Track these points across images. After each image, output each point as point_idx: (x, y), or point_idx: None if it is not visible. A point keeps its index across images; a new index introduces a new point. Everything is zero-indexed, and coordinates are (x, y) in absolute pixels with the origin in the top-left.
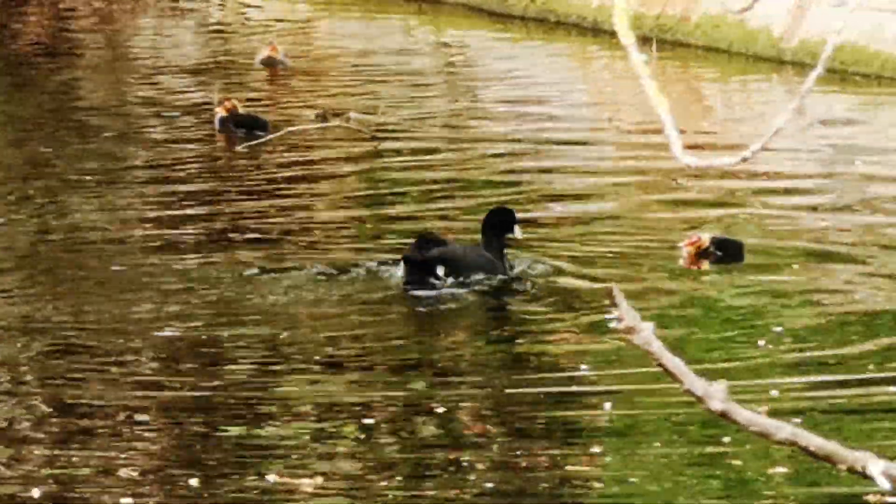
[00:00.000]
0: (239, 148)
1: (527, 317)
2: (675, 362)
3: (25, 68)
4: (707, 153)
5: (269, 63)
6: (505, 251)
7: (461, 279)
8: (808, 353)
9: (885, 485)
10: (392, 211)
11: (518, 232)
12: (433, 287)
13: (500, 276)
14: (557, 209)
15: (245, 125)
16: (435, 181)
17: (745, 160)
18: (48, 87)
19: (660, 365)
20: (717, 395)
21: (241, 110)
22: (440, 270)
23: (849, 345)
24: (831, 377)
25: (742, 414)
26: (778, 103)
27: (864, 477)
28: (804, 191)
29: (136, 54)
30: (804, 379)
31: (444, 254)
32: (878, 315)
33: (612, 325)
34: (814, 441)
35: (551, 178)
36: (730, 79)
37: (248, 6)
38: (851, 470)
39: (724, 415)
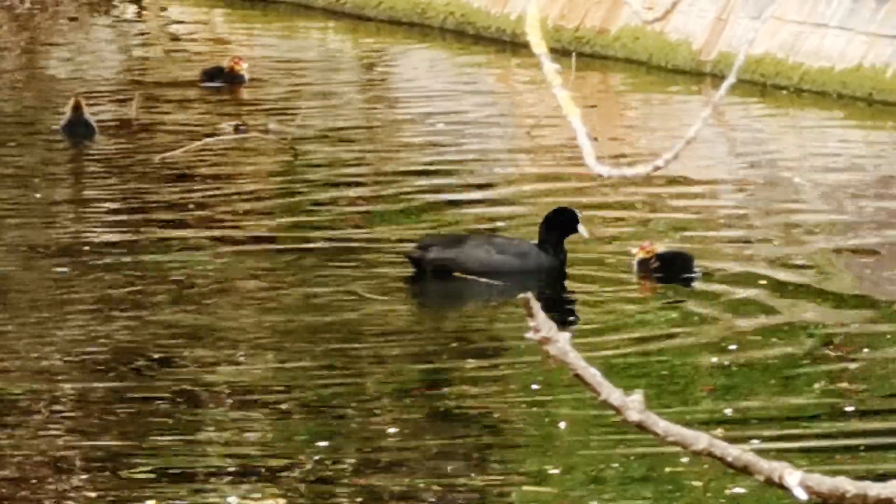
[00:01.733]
0: (156, 158)
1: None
2: (591, 373)
3: None
4: (621, 163)
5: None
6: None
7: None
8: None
9: (802, 496)
10: (310, 219)
11: (583, 230)
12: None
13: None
14: (474, 214)
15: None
16: (352, 191)
17: (657, 169)
18: None
19: (576, 376)
20: (633, 405)
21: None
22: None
23: (770, 350)
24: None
25: (659, 424)
26: (695, 115)
27: (782, 488)
28: (718, 198)
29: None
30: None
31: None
32: (796, 326)
33: (528, 335)
34: (730, 451)
35: (470, 190)
36: (648, 91)
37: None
38: (769, 481)
39: (640, 425)
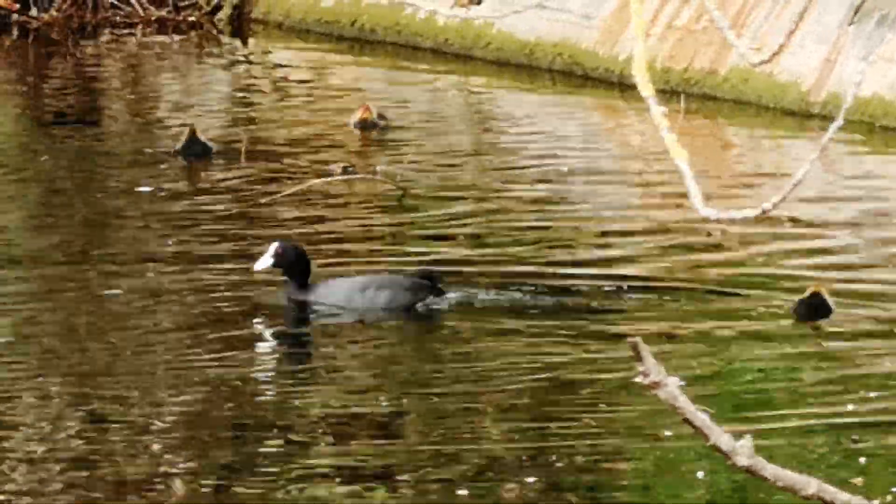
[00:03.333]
0: (263, 200)
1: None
2: (700, 417)
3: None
4: (729, 205)
5: (364, 126)
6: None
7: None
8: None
9: None
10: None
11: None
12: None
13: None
14: (581, 258)
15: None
16: (461, 233)
17: (765, 213)
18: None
19: (685, 420)
20: (743, 451)
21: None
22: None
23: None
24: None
25: (768, 469)
26: (804, 156)
27: None
28: (830, 238)
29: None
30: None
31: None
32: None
33: (637, 379)
34: (840, 497)
35: (577, 229)
36: (757, 132)
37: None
38: None
39: (750, 470)
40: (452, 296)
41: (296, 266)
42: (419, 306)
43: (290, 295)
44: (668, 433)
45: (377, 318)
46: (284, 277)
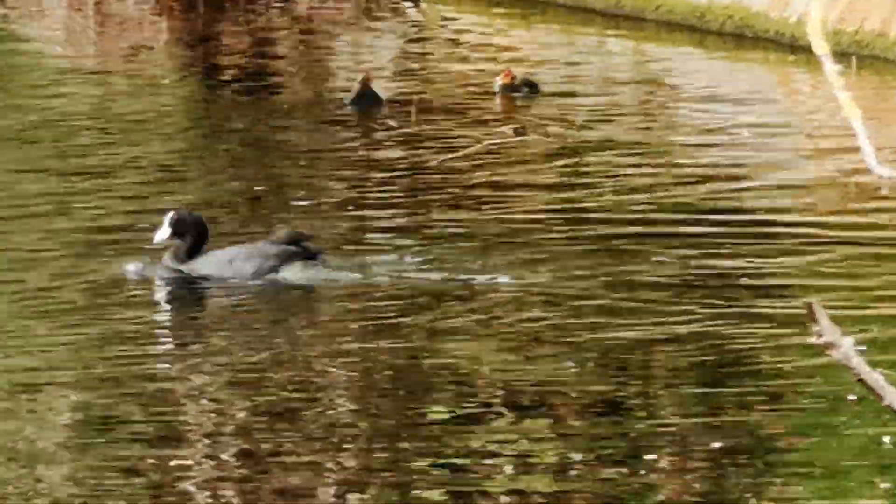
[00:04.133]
0: (434, 163)
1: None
2: (874, 378)
3: (227, 88)
4: None
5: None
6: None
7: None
8: None
9: None
10: (586, 231)
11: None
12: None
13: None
14: (755, 220)
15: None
16: (632, 198)
17: None
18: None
19: (859, 380)
20: None
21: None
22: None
23: None
24: None
25: None
26: None
27: None
28: None
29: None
30: None
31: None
32: None
33: (812, 340)
34: None
35: (750, 193)
36: None
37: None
38: None
39: None
40: (326, 259)
41: (193, 234)
42: (283, 274)
43: (168, 264)
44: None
45: (246, 288)
46: (176, 243)
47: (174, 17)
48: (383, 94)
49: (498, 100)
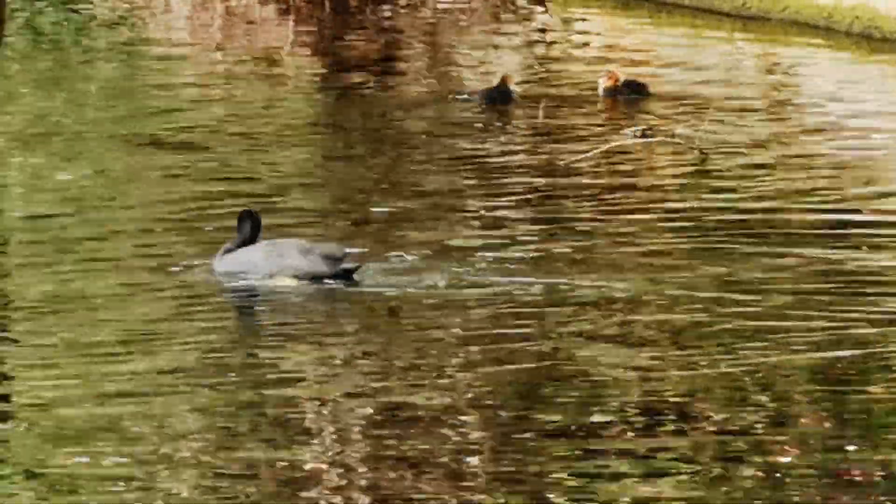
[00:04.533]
0: (562, 163)
1: None
2: None
3: (352, 86)
4: None
5: (612, 93)
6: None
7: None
8: None
9: None
10: (710, 237)
11: None
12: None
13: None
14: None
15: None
16: (759, 199)
17: None
18: (376, 101)
19: None
20: None
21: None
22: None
23: None
24: None
25: None
26: None
27: None
28: None
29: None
30: None
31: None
32: None
33: None
34: None
35: (877, 195)
36: None
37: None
38: None
39: None
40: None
41: (247, 230)
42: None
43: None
44: None
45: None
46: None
47: (300, 18)
48: (515, 92)
49: (600, 103)
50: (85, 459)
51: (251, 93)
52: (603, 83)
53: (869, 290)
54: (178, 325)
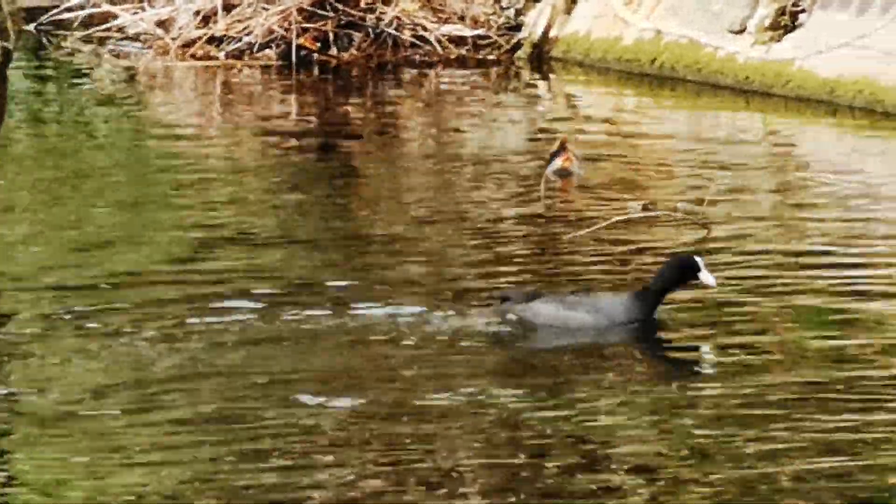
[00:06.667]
0: (567, 237)
1: None
2: None
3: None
4: None
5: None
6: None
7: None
8: None
9: None
10: (720, 299)
11: (708, 278)
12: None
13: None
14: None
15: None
16: (766, 275)
17: None
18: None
19: None
20: None
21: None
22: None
23: None
24: None
25: None
26: None
27: None
28: None
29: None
30: None
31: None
32: None
33: None
34: None
35: (883, 271)
36: None
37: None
38: None
39: None
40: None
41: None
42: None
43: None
44: None
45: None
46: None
47: (303, 92)
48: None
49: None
50: None
51: (244, 166)
52: (556, 164)
53: (871, 374)
54: None
